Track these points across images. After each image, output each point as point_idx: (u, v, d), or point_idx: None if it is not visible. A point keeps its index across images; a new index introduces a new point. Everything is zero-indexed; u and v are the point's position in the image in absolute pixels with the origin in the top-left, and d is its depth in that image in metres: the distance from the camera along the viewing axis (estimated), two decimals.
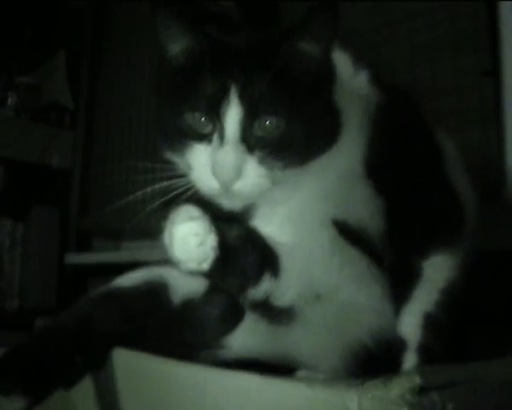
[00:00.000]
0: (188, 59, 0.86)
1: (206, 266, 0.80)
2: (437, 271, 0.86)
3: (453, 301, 0.86)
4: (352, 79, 0.88)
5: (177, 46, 0.87)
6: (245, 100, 0.80)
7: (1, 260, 2.19)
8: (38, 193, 2.31)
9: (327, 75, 0.85)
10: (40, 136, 2.24)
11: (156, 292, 0.97)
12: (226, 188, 0.81)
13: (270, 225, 0.92)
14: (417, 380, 0.57)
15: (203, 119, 0.81)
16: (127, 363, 0.91)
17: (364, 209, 0.87)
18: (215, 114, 0.80)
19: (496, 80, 1.46)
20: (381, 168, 0.86)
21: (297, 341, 0.92)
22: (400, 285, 0.87)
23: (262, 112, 0.80)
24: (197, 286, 0.94)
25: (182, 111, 0.83)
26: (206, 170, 0.82)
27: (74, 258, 2.26)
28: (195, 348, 0.93)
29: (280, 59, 0.81)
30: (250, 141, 0.81)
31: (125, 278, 0.99)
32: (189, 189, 0.86)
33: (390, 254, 0.86)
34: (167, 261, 1.01)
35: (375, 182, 0.86)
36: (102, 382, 0.93)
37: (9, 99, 2.26)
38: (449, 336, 0.87)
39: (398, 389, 0.57)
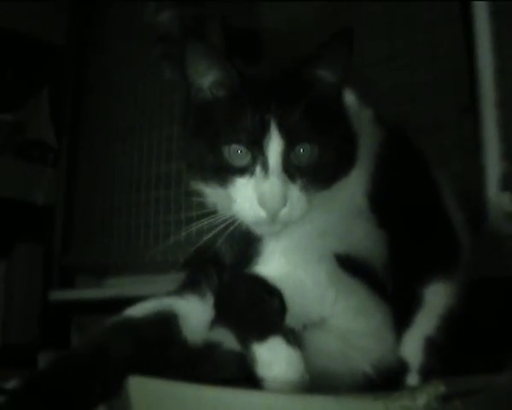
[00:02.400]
0: (219, 92, 0.90)
1: None
2: (437, 297, 0.92)
3: (451, 326, 0.92)
4: (357, 115, 0.93)
5: (207, 80, 0.90)
6: (284, 131, 0.84)
7: None
8: (22, 230, 2.31)
9: (343, 102, 0.89)
10: (23, 173, 2.25)
11: (166, 321, 1.00)
12: (273, 216, 0.85)
13: (272, 257, 0.96)
14: (442, 388, 0.61)
15: (242, 151, 0.85)
16: (144, 389, 0.93)
17: (367, 242, 0.92)
18: (256, 146, 0.84)
19: (475, 116, 1.52)
20: (384, 201, 0.91)
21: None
22: (402, 311, 0.92)
23: (299, 141, 0.85)
24: (206, 316, 0.97)
25: (218, 145, 0.87)
26: (251, 201, 0.85)
27: (58, 295, 2.26)
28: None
29: (309, 88, 0.85)
30: (291, 170, 0.85)
31: (136, 308, 1.01)
32: (231, 223, 0.89)
33: (393, 282, 0.92)
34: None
35: (378, 214, 0.91)
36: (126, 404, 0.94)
37: None
38: (448, 357, 0.92)
39: (424, 397, 0.61)
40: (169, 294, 1.06)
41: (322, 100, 0.88)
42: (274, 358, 0.79)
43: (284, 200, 0.85)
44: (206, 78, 0.91)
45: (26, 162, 2.28)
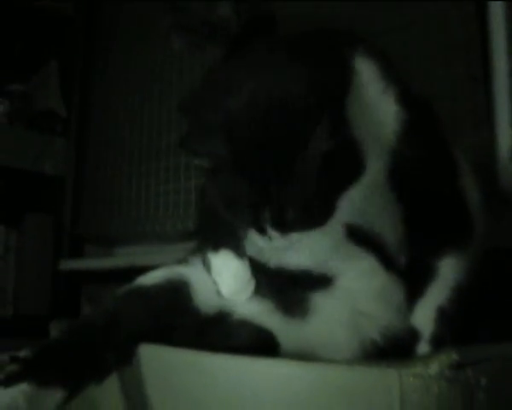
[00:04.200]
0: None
1: None
2: (450, 270, 0.93)
3: (463, 297, 0.93)
4: (379, 96, 0.91)
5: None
6: (279, 228, 0.87)
7: None
8: (32, 200, 2.32)
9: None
10: (33, 143, 2.26)
11: (178, 289, 1.01)
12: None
13: None
14: (455, 357, 0.61)
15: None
16: (155, 357, 0.94)
17: (383, 217, 0.93)
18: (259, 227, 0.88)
19: (486, 86, 1.52)
20: (403, 178, 0.91)
21: (310, 334, 0.97)
22: (416, 282, 0.93)
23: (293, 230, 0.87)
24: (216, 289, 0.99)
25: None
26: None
27: (68, 264, 2.27)
28: None
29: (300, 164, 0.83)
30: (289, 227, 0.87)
31: (148, 277, 1.02)
32: None
33: (408, 254, 0.93)
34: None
35: (397, 191, 0.91)
36: (129, 378, 0.96)
37: (2, 106, 2.26)
38: (460, 327, 0.93)
39: (437, 365, 0.61)
40: (180, 262, 1.07)
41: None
42: (223, 265, 0.97)
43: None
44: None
45: (35, 133, 2.27)
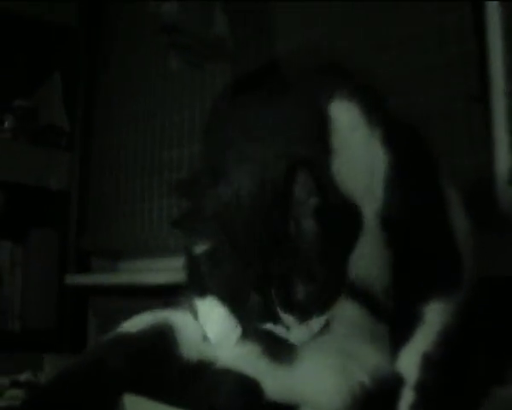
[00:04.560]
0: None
1: None
2: (436, 315, 0.91)
3: (450, 342, 0.91)
4: (365, 142, 0.90)
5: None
6: (286, 298, 0.84)
7: (1, 283, 2.21)
8: (37, 215, 2.33)
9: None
10: (37, 158, 2.27)
11: (163, 336, 1.01)
12: None
13: None
14: None
15: None
16: (137, 408, 0.94)
17: (373, 268, 0.91)
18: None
19: (484, 106, 1.49)
20: (393, 222, 0.90)
21: (299, 379, 0.96)
22: (402, 328, 0.92)
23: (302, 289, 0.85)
24: (201, 334, 0.98)
25: None
26: None
27: (74, 279, 2.29)
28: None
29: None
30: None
31: (133, 322, 1.02)
32: None
33: (393, 300, 0.92)
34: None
35: (385, 238, 0.89)
36: None
37: (6, 122, 2.27)
38: (445, 373, 0.91)
39: None
40: (167, 306, 1.07)
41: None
42: (209, 311, 0.96)
43: None
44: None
45: (39, 148, 2.28)
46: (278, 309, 0.84)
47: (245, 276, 0.84)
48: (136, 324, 1.03)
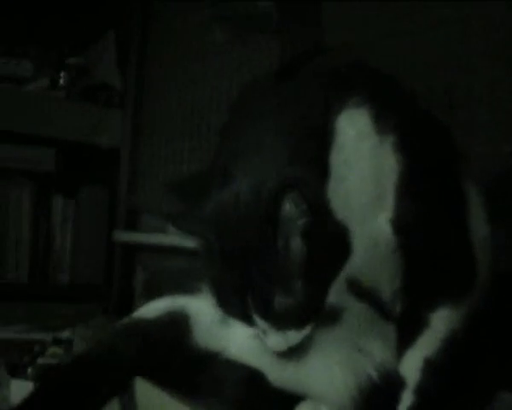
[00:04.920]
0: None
1: None
2: (442, 322, 0.90)
3: (455, 350, 0.91)
4: (374, 150, 0.88)
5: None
6: (261, 306, 0.87)
7: (53, 236, 2.29)
8: (88, 172, 2.39)
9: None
10: (90, 116, 2.30)
11: (177, 323, 1.03)
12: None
13: None
14: None
15: None
16: (148, 394, 0.97)
17: (384, 269, 0.91)
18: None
19: None
20: (404, 232, 0.89)
21: (307, 371, 0.97)
22: (407, 331, 0.92)
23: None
24: (215, 321, 0.99)
25: None
26: None
27: (122, 236, 2.34)
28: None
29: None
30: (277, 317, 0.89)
31: (149, 309, 1.05)
32: None
33: (402, 305, 0.92)
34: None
35: (399, 239, 0.89)
36: (126, 406, 0.99)
37: (61, 80, 2.31)
38: (447, 380, 0.91)
39: None
40: (186, 291, 1.09)
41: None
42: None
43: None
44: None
45: (92, 105, 2.32)
46: (254, 315, 0.87)
47: (227, 279, 0.86)
48: (152, 310, 1.05)
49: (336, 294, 0.95)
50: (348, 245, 0.87)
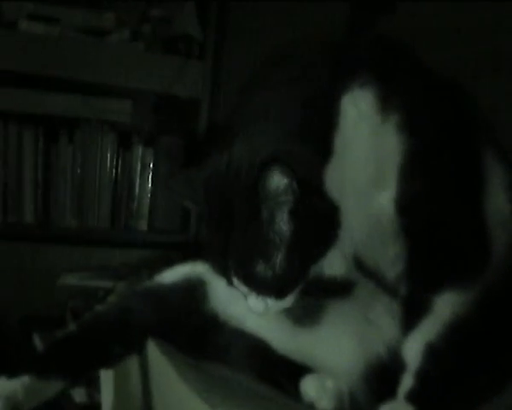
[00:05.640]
0: None
1: None
2: (446, 306, 0.89)
3: (459, 336, 0.89)
4: (376, 129, 0.87)
5: None
6: (240, 270, 0.90)
7: (133, 184, 2.37)
8: (168, 122, 2.44)
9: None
10: (170, 67, 2.34)
11: (194, 290, 1.07)
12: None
13: None
14: None
15: None
16: (159, 354, 1.01)
17: (388, 250, 0.90)
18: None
19: None
20: (410, 213, 0.87)
21: (317, 343, 0.99)
22: (410, 314, 0.91)
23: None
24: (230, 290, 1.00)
25: None
26: None
27: None
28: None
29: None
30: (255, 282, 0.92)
31: (168, 274, 1.09)
32: None
33: (406, 287, 0.91)
34: None
35: (401, 226, 0.87)
36: (143, 364, 1.05)
37: (143, 31, 2.36)
38: (449, 366, 0.90)
39: None
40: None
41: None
42: None
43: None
44: None
45: (172, 56, 2.35)
46: (233, 278, 0.90)
47: (213, 240, 0.90)
48: (171, 275, 1.09)
49: (346, 269, 0.95)
50: (337, 226, 0.86)
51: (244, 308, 1.00)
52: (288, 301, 0.92)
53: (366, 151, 0.86)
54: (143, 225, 2.39)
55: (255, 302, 0.92)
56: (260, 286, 0.89)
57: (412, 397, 0.90)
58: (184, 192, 0.98)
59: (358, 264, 0.95)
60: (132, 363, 1.06)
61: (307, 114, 0.87)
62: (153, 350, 1.01)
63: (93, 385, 1.30)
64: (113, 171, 2.34)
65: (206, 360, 1.02)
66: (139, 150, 2.37)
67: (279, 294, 0.90)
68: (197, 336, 1.03)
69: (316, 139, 0.86)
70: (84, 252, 2.34)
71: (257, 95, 0.95)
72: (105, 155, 2.32)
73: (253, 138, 0.88)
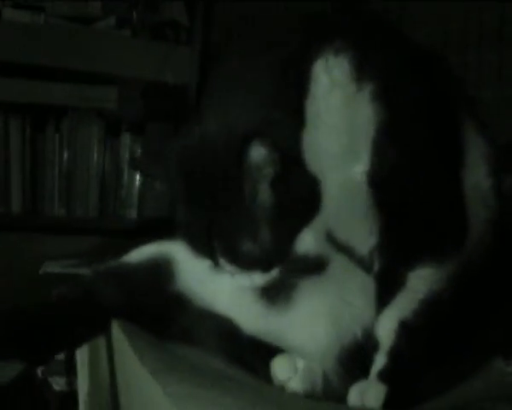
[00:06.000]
0: None
1: None
2: (421, 282, 0.86)
3: (433, 312, 0.86)
4: (350, 99, 0.84)
5: None
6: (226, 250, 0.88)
7: (122, 172, 2.36)
8: (155, 109, 2.42)
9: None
10: (157, 53, 2.32)
11: (160, 268, 1.04)
12: None
13: None
14: None
15: None
16: (123, 334, 0.99)
17: (359, 225, 0.88)
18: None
19: None
20: (382, 186, 0.85)
21: (290, 323, 0.96)
22: (384, 292, 0.88)
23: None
24: (203, 268, 0.98)
25: None
26: None
27: None
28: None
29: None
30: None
31: (135, 254, 1.07)
32: None
33: (379, 263, 0.88)
34: None
35: (376, 194, 0.85)
36: (109, 345, 1.03)
37: (133, 18, 2.34)
38: (423, 345, 0.87)
39: None
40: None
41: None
42: None
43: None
44: None
45: (159, 43, 2.33)
46: (219, 258, 0.88)
47: (194, 222, 0.87)
48: (136, 254, 1.07)
49: (318, 244, 0.93)
50: (319, 196, 0.84)
51: (214, 288, 0.98)
52: (273, 273, 0.90)
53: (339, 121, 0.83)
54: (133, 213, 2.37)
55: (240, 279, 0.90)
56: (248, 264, 0.87)
57: (384, 376, 0.87)
58: (154, 171, 0.95)
59: (331, 239, 0.92)
60: (101, 345, 1.05)
61: (280, 80, 0.84)
62: (116, 331, 1.00)
63: (73, 373, 1.29)
64: (102, 159, 2.32)
65: (173, 340, 1.00)
66: (127, 138, 2.35)
67: (267, 267, 0.89)
68: (163, 315, 1.01)
69: (290, 107, 0.83)
70: (72, 241, 2.32)
71: (228, 65, 0.92)
72: (93, 143, 2.30)
73: (227, 109, 0.85)
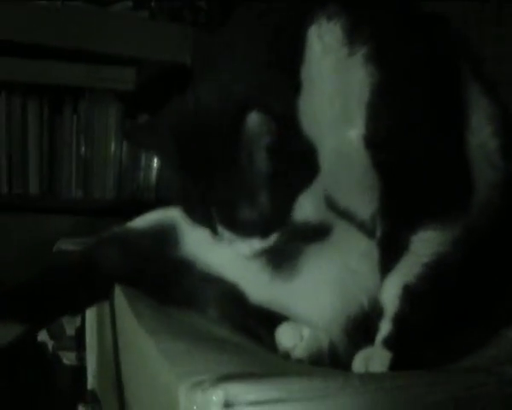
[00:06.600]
0: None
1: None
2: (424, 245, 0.84)
3: (438, 276, 0.84)
4: (343, 63, 0.82)
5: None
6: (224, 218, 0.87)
7: (139, 154, 2.35)
8: (177, 91, 2.40)
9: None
10: (175, 35, 2.31)
11: (164, 235, 1.04)
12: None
13: None
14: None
15: None
16: (125, 299, 0.99)
17: (359, 190, 0.87)
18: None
19: None
20: (380, 148, 0.83)
21: (295, 294, 0.95)
22: (387, 257, 0.86)
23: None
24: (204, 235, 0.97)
25: None
26: None
27: None
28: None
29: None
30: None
31: (140, 220, 1.07)
32: None
33: (382, 227, 0.87)
34: None
35: (374, 158, 0.83)
36: (112, 310, 1.02)
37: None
38: (428, 310, 0.86)
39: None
40: None
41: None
42: None
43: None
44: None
45: (177, 25, 2.32)
46: (218, 225, 0.86)
47: (191, 190, 0.86)
48: (141, 221, 1.07)
49: (319, 211, 0.91)
50: (316, 161, 0.82)
51: (219, 255, 0.97)
52: (272, 239, 0.88)
53: (332, 86, 0.83)
54: (151, 195, 2.36)
55: (240, 247, 0.88)
56: (247, 230, 0.86)
57: (389, 343, 0.86)
58: (147, 141, 0.94)
59: (332, 206, 0.91)
60: (106, 309, 1.04)
61: (275, 46, 0.83)
62: (118, 295, 0.99)
63: (82, 349, 1.29)
64: (119, 141, 2.31)
65: (177, 305, 0.99)
66: (145, 119, 2.33)
67: (266, 233, 0.87)
68: (167, 281, 1.01)
69: (286, 74, 0.83)
70: (89, 223, 2.32)
71: (222, 32, 0.91)
72: (110, 124, 2.30)
73: (221, 75, 0.84)
